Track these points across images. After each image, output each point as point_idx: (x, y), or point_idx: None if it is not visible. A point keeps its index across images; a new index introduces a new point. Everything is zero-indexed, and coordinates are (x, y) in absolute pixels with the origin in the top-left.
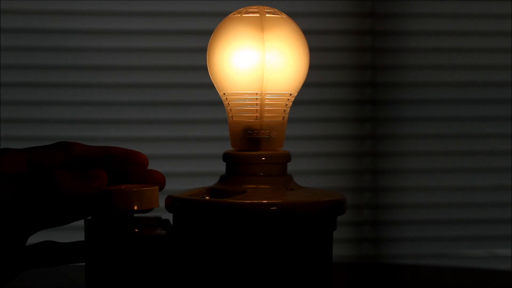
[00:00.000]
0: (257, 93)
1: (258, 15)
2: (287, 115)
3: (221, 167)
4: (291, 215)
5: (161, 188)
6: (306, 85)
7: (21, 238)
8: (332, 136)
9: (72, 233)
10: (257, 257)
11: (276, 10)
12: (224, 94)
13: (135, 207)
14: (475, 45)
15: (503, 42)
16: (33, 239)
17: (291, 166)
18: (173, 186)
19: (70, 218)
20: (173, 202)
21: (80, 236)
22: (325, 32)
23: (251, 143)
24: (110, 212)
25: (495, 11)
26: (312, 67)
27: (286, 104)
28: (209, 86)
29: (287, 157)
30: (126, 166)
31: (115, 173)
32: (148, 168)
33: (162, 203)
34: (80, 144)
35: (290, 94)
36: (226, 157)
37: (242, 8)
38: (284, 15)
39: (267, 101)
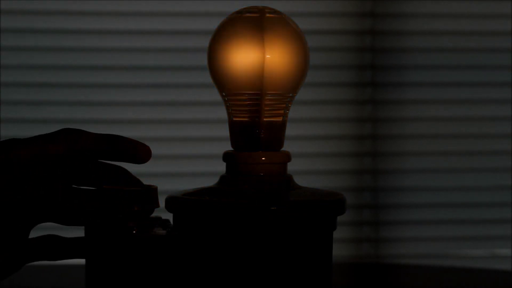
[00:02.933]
0: (257, 93)
1: (258, 15)
2: (287, 115)
3: (221, 167)
4: (291, 215)
5: (146, 160)
6: (306, 85)
7: (23, 231)
8: (332, 136)
9: (73, 230)
10: (257, 257)
11: (276, 10)
12: (224, 94)
13: (136, 208)
14: (475, 45)
15: (503, 42)
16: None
17: (291, 166)
18: (173, 186)
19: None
20: (173, 202)
21: (81, 234)
22: (325, 32)
23: (251, 143)
24: (111, 212)
25: (495, 11)
26: (312, 67)
27: (286, 104)
28: (209, 86)
29: (287, 157)
30: (129, 157)
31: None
32: (149, 169)
33: (162, 203)
34: (84, 134)
35: (290, 94)
36: (226, 157)
37: (242, 8)
38: (284, 15)
39: (267, 101)
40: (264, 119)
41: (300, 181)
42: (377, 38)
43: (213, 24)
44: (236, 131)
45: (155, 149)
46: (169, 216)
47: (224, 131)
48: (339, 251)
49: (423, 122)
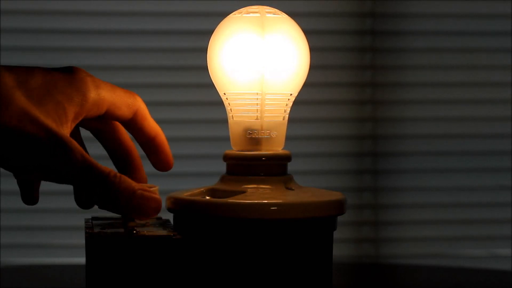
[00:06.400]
0: (257, 93)
1: (258, 15)
2: (287, 115)
3: (221, 167)
4: (291, 215)
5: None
6: (306, 85)
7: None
8: (332, 136)
9: (72, 233)
10: (257, 257)
11: (276, 10)
12: (224, 94)
13: None
14: (475, 45)
15: (503, 42)
16: None
17: (291, 166)
18: (173, 186)
19: None
20: (173, 202)
21: (80, 236)
22: (325, 32)
23: (251, 143)
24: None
25: (495, 11)
26: (312, 67)
27: (287, 104)
28: (209, 86)
29: (287, 157)
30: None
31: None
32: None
33: (162, 204)
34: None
35: (291, 94)
36: (226, 157)
37: (242, 8)
38: (284, 15)
39: (267, 101)
40: (265, 119)
41: (300, 181)
42: (377, 38)
43: (213, 24)
44: (236, 131)
45: None
46: (169, 216)
47: (224, 131)
48: (339, 251)
49: (423, 122)
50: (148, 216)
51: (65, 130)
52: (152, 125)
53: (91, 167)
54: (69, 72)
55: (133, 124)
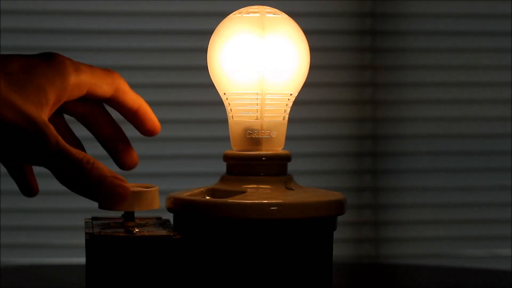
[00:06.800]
0: (257, 93)
1: (258, 15)
2: (287, 115)
3: (221, 167)
4: (291, 215)
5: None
6: (306, 85)
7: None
8: (332, 136)
9: (72, 233)
10: (257, 257)
11: (276, 10)
12: (224, 94)
13: (136, 208)
14: (475, 45)
15: (503, 42)
16: None
17: (291, 166)
18: (173, 186)
19: None
20: (173, 202)
21: (80, 236)
22: (325, 32)
23: (252, 143)
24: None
25: (495, 11)
26: (312, 67)
27: (287, 104)
28: (209, 86)
29: (287, 157)
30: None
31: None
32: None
33: (162, 204)
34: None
35: (291, 94)
36: (226, 157)
37: (242, 8)
38: (284, 15)
39: (267, 101)
40: (265, 119)
41: (300, 181)
42: (377, 38)
43: (213, 24)
44: (237, 131)
45: (155, 149)
46: (169, 216)
47: (224, 131)
48: (339, 251)
49: (423, 122)
50: (116, 203)
51: (46, 113)
52: (133, 98)
53: (64, 151)
54: (48, 56)
55: (115, 100)
